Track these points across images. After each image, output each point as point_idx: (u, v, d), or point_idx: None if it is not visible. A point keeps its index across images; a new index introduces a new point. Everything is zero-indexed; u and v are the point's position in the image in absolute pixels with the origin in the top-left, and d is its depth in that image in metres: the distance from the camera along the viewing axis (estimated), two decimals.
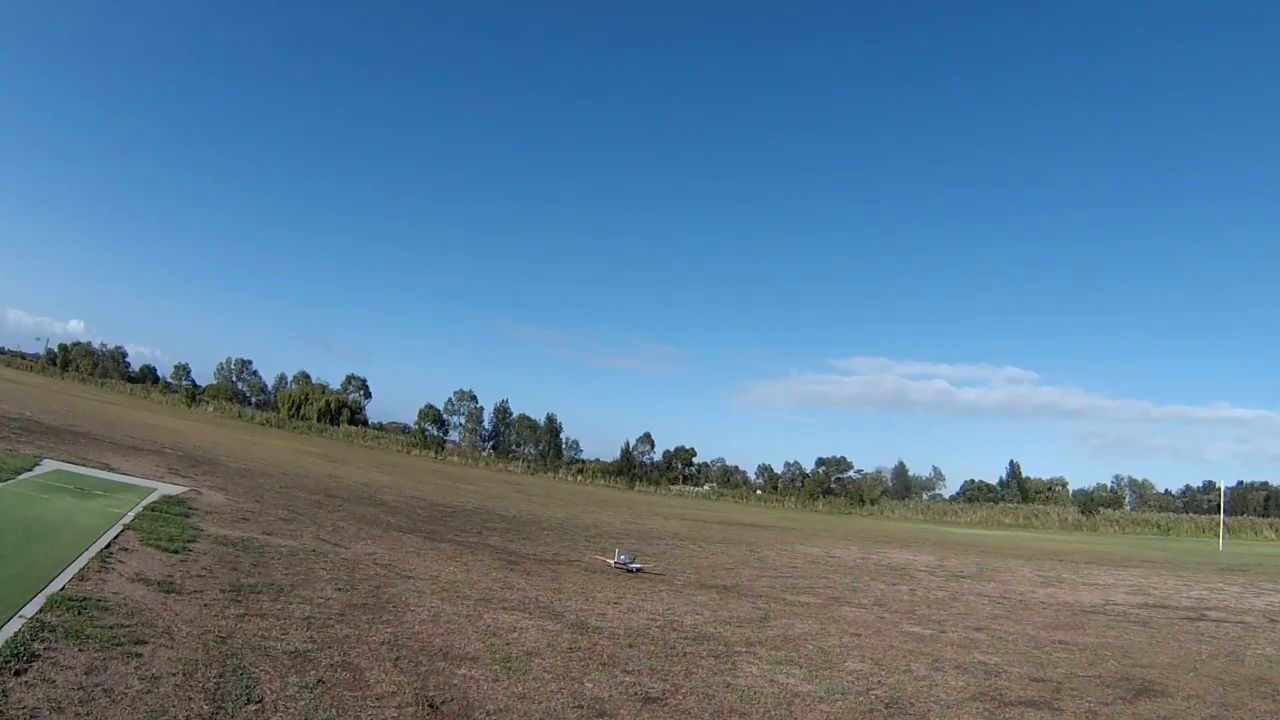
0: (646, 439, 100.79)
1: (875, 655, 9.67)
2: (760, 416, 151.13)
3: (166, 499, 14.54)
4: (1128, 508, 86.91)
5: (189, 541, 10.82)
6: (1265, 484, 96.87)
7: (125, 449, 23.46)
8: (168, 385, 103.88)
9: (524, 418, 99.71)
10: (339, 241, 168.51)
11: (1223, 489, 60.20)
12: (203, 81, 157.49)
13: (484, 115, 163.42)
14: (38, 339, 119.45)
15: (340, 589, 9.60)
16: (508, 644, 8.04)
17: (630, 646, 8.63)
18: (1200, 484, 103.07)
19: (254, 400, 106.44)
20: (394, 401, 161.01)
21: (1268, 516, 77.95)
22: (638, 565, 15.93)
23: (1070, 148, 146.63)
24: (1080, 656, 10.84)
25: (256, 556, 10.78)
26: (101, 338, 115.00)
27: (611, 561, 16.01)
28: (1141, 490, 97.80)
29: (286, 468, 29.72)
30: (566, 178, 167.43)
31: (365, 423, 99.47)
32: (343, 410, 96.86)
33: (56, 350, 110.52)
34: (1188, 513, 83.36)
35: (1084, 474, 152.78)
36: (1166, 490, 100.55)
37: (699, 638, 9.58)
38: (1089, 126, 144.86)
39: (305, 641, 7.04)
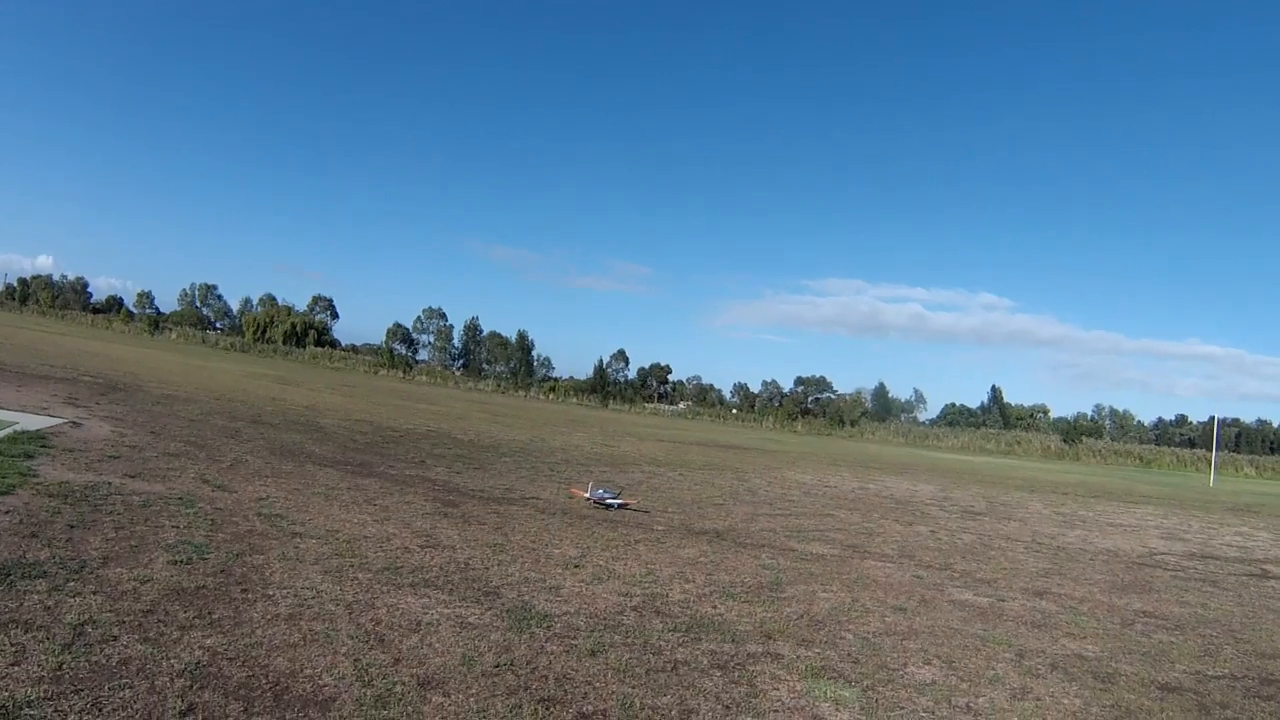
0: (621, 356, 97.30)
1: (939, 649, 6.91)
2: (734, 336, 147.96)
3: (17, 435, 11.47)
4: (1107, 438, 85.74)
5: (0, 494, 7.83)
6: (1236, 420, 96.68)
7: (29, 378, 20.19)
8: (131, 314, 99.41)
9: (495, 335, 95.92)
10: (308, 161, 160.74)
11: (1216, 423, 58.24)
12: (165, 7, 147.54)
13: (453, 36, 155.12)
14: None
15: (179, 561, 6.65)
16: (396, 662, 5.12)
17: (593, 654, 5.73)
18: (1172, 417, 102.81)
19: (219, 325, 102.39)
20: (365, 322, 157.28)
21: (1239, 453, 77.72)
22: (619, 501, 13.23)
23: (1050, 76, 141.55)
24: (1184, 641, 8.28)
25: (86, 512, 7.79)
26: (71, 271, 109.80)
27: (586, 496, 13.26)
28: (1122, 421, 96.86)
29: (223, 392, 26.50)
30: (537, 97, 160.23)
31: (333, 344, 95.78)
32: (309, 332, 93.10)
33: (15, 284, 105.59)
34: (1159, 445, 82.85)
35: (1059, 402, 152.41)
36: (1138, 422, 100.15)
37: (694, 627, 6.72)
38: (1068, 54, 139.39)
39: (39, 680, 4.09)
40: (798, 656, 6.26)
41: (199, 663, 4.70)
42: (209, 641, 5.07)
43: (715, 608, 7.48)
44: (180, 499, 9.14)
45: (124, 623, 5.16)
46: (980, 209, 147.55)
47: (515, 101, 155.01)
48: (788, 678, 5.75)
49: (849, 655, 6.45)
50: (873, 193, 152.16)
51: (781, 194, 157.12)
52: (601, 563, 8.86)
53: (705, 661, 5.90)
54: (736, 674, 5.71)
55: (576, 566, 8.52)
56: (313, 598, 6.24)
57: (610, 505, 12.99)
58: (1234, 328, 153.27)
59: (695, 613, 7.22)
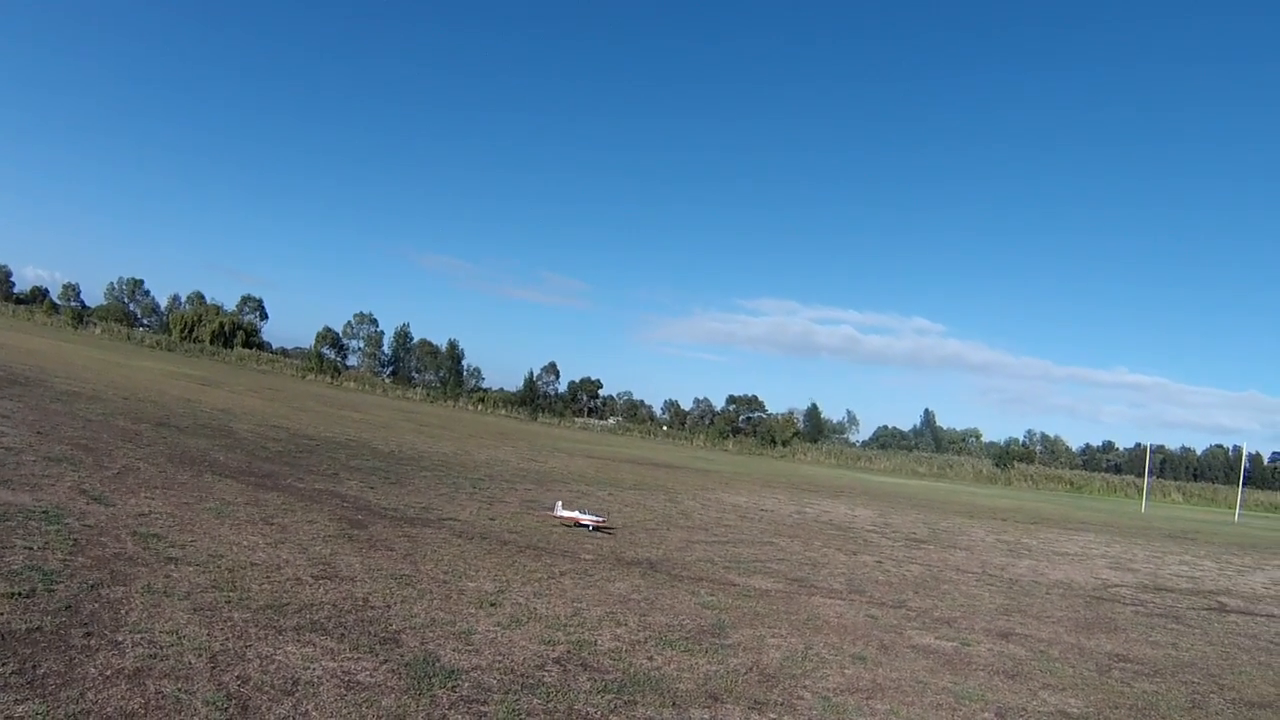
0: (551, 369, 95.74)
1: (910, 709, 6.04)
2: (667, 353, 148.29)
3: None
4: (1039, 463, 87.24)
5: None
6: (1161, 447, 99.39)
7: None
8: (55, 306, 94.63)
9: (425, 343, 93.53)
10: (242, 158, 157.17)
11: (1149, 451, 59.33)
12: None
13: (392, 41, 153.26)
14: None
15: (17, 593, 5.48)
16: None
17: None
18: (1100, 443, 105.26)
19: (146, 322, 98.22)
20: (295, 325, 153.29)
21: (1164, 478, 79.74)
22: (593, 522, 13.19)
23: (984, 104, 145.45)
24: (1168, 690, 7.66)
25: None
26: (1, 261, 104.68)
27: (558, 515, 13.31)
28: (1053, 446, 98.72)
29: (134, 391, 24.68)
30: (475, 104, 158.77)
31: (261, 346, 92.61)
32: (237, 333, 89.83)
33: None
34: (1087, 470, 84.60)
35: (991, 426, 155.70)
36: (1068, 447, 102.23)
37: (627, 685, 5.73)
38: (1003, 82, 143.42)
39: None
40: None
41: None
42: (20, 710, 3.96)
43: (652, 659, 6.51)
44: (45, 513, 7.92)
45: None
46: (914, 234, 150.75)
47: (452, 108, 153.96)
48: None
49: None
50: (807, 214, 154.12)
51: (717, 213, 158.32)
52: (521, 600, 7.83)
53: None
54: None
55: (493, 605, 7.46)
56: (171, 645, 5.12)
57: (585, 525, 12.87)
58: (1159, 357, 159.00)
59: (629, 666, 6.23)
